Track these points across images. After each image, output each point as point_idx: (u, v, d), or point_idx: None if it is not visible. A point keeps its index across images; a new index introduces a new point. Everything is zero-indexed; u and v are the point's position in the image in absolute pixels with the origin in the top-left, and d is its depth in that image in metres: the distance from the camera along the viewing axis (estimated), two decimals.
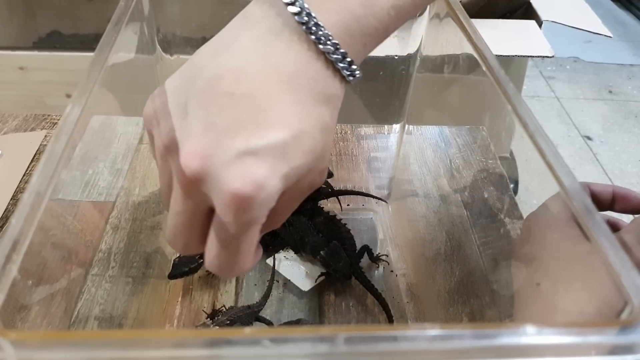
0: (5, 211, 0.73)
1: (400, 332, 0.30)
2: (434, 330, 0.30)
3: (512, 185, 0.69)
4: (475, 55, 0.56)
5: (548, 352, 0.30)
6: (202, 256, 0.72)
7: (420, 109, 0.76)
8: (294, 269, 0.72)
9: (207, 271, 0.73)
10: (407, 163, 0.80)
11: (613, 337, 0.30)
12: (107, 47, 0.50)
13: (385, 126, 0.93)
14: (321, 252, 0.70)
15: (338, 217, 0.75)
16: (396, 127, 0.81)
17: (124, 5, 0.57)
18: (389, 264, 0.75)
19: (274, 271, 0.72)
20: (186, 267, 0.71)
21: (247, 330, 0.30)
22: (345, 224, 0.75)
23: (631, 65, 2.84)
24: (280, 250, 0.75)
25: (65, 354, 0.29)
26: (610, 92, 2.64)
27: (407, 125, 0.79)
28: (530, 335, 0.30)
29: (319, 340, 0.29)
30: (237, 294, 0.70)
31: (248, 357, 0.29)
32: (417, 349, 0.30)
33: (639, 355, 0.30)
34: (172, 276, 0.71)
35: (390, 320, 0.67)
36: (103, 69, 0.49)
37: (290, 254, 0.74)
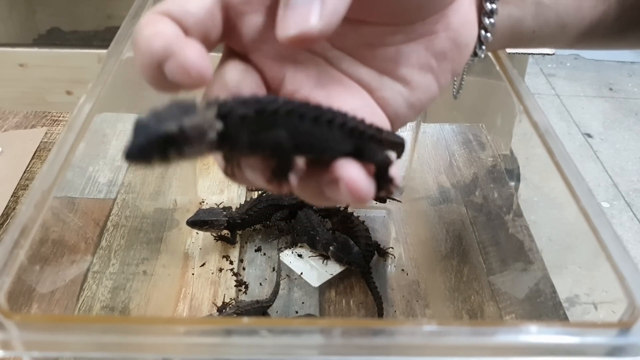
0: (6, 208, 0.73)
1: (396, 327, 0.30)
2: (430, 326, 0.30)
3: (513, 183, 0.69)
4: (490, 55, 0.56)
5: (546, 352, 0.30)
6: (227, 215, 0.73)
7: (435, 107, 0.76)
8: (305, 265, 0.73)
9: (203, 264, 0.73)
10: (421, 162, 0.80)
11: (612, 338, 0.30)
12: (123, 40, 0.50)
13: None
14: (331, 248, 0.71)
15: (355, 215, 0.76)
16: (410, 125, 0.81)
17: None
18: (395, 257, 0.75)
19: (279, 268, 0.72)
20: (207, 218, 0.73)
21: (246, 320, 0.30)
22: (364, 222, 0.76)
23: (632, 62, 2.83)
24: (293, 247, 0.76)
25: (69, 337, 0.30)
26: (610, 89, 2.64)
27: (422, 124, 0.79)
28: (528, 334, 0.30)
29: (316, 332, 0.29)
30: (237, 291, 0.70)
31: (246, 347, 0.29)
32: (412, 344, 0.30)
33: (638, 357, 0.30)
34: (190, 222, 0.72)
35: (380, 316, 0.67)
36: (117, 63, 0.48)
37: (301, 250, 0.75)
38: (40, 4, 1.41)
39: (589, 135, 2.32)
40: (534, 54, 1.10)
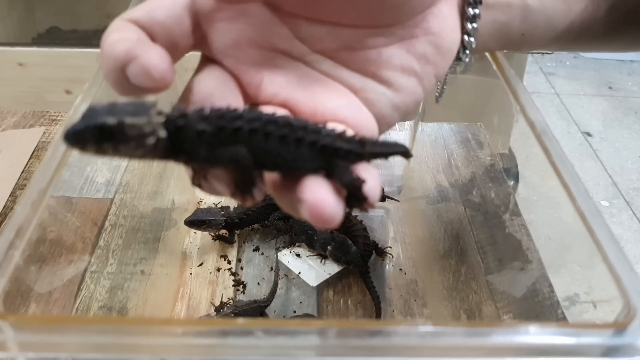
0: (4, 208, 0.73)
1: (393, 328, 0.30)
2: (426, 327, 0.30)
3: (511, 182, 0.69)
4: (487, 54, 0.56)
5: (542, 352, 0.30)
6: (225, 215, 0.74)
7: (433, 106, 0.76)
8: (303, 264, 0.73)
9: (201, 263, 0.73)
10: (419, 161, 0.80)
11: (608, 339, 0.30)
12: None
13: None
14: (329, 247, 0.71)
15: (353, 215, 0.76)
16: (408, 124, 0.81)
17: None
18: (393, 257, 0.75)
19: (277, 267, 0.72)
20: (205, 217, 0.73)
21: (240, 320, 0.30)
22: (362, 221, 0.76)
23: (631, 61, 2.83)
24: (291, 247, 0.76)
25: (65, 338, 0.30)
26: (610, 88, 2.63)
27: (420, 123, 0.79)
28: (524, 334, 0.30)
29: (312, 333, 0.29)
30: (235, 291, 0.70)
31: (242, 348, 0.29)
32: (409, 345, 0.30)
33: (635, 358, 0.30)
34: (187, 222, 0.72)
35: (377, 316, 0.67)
36: None
37: (299, 249, 0.75)
38: (39, 3, 1.41)
39: (589, 134, 2.32)
40: (533, 52, 1.09)
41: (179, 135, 0.27)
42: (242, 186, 0.28)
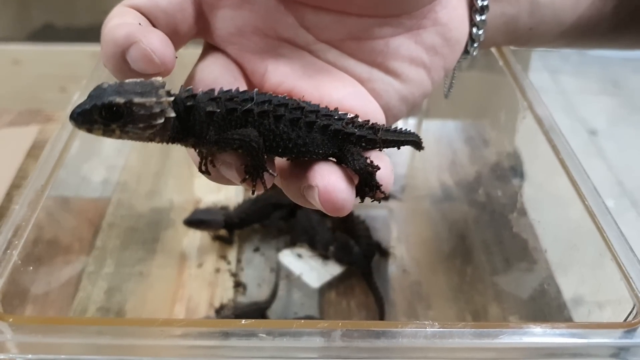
0: None
1: (398, 329, 0.30)
2: (432, 328, 0.30)
3: (517, 181, 0.69)
4: (493, 50, 0.56)
5: (551, 354, 0.30)
6: (225, 215, 0.72)
7: (437, 103, 0.75)
8: (305, 265, 0.72)
9: (200, 264, 0.72)
10: (423, 159, 0.79)
11: (618, 339, 0.30)
12: None
13: None
14: (331, 248, 0.70)
15: (355, 214, 0.75)
16: (412, 121, 0.81)
17: None
18: (396, 257, 0.74)
19: (278, 268, 0.71)
20: (204, 217, 0.72)
21: (244, 322, 0.30)
22: (364, 221, 0.75)
23: (636, 59, 2.82)
24: (292, 247, 0.75)
25: (63, 339, 0.30)
26: (615, 86, 2.62)
27: (424, 120, 0.78)
28: (532, 335, 0.30)
29: (316, 335, 0.29)
30: (235, 292, 0.69)
31: (244, 349, 0.29)
32: (415, 346, 0.30)
33: None
34: (186, 222, 0.71)
35: (381, 317, 0.66)
36: None
37: (300, 250, 0.74)
38: None
39: (594, 133, 2.31)
40: (538, 49, 1.09)
41: (188, 117, 0.27)
42: (252, 171, 0.28)
